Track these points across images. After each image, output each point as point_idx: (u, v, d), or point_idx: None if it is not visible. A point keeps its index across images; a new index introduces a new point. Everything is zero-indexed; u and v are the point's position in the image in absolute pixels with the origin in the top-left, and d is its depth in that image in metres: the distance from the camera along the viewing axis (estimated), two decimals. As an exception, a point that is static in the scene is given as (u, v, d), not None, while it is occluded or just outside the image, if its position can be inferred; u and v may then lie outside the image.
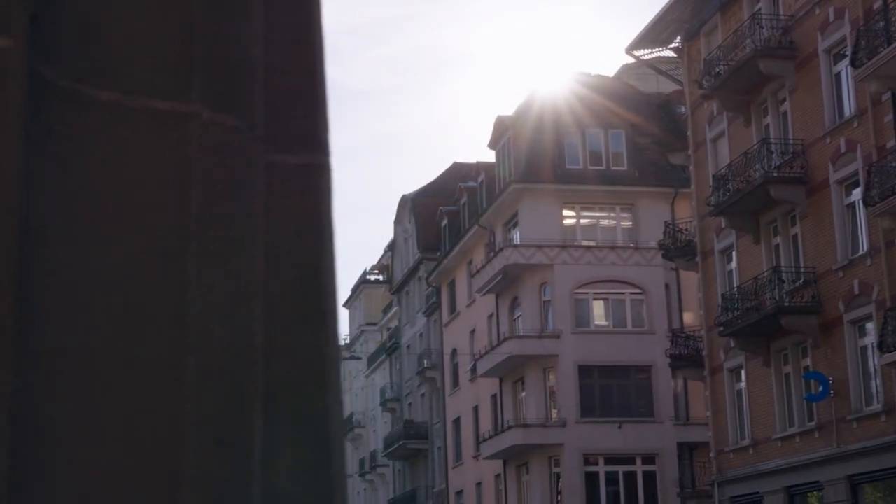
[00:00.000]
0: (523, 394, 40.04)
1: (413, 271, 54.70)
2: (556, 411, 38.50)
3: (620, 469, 37.92)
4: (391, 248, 60.91)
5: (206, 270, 0.91)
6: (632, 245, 39.70)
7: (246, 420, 0.92)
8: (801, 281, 26.50)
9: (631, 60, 38.16)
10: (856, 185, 25.23)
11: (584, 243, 39.84)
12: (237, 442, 0.91)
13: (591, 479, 37.67)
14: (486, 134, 43.84)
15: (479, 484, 44.38)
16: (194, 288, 0.90)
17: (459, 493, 46.86)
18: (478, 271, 42.00)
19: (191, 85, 0.93)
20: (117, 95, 0.91)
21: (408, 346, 55.93)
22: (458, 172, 52.87)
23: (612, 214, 40.64)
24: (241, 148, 0.96)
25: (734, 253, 29.86)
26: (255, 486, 0.91)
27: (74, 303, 0.89)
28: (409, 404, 55.56)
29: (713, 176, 29.79)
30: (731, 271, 30.13)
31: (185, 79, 0.93)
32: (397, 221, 57.76)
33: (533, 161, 40.47)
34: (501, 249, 40.19)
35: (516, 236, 40.84)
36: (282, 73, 1.01)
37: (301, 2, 1.00)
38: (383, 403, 59.85)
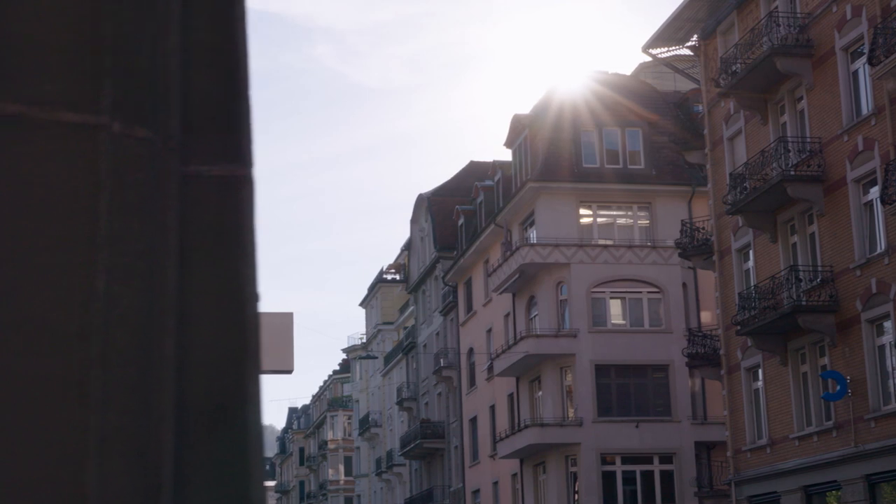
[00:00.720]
0: (540, 393, 39.97)
1: (430, 270, 54.68)
2: (572, 410, 38.42)
3: (638, 468, 37.81)
4: (408, 247, 60.90)
5: (114, 284, 0.90)
6: (649, 244, 39.58)
7: (155, 435, 0.91)
8: (819, 280, 26.37)
9: (648, 59, 38.09)
10: (873, 183, 25.09)
11: (601, 242, 39.59)
12: (145, 457, 0.90)
13: (608, 478, 37.58)
14: (503, 132, 43.81)
15: (495, 483, 44.34)
16: (100, 302, 0.89)
17: (476, 492, 46.83)
18: (494, 270, 41.94)
19: (101, 97, 0.91)
20: (23, 107, 0.90)
21: (424, 346, 55.92)
22: (474, 171, 52.86)
23: (629, 213, 40.49)
24: (154, 160, 0.95)
25: (751, 252, 29.74)
26: (164, 502, 0.90)
27: None
28: (426, 403, 55.57)
29: (730, 174, 29.68)
30: (748, 270, 30.02)
31: (95, 90, 0.91)
32: (414, 220, 57.76)
33: (550, 159, 40.39)
34: (518, 248, 40.09)
35: (533, 235, 40.58)
36: (202, 85, 0.99)
37: (223, 13, 0.99)
38: (400, 403, 59.88)
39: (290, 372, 8.45)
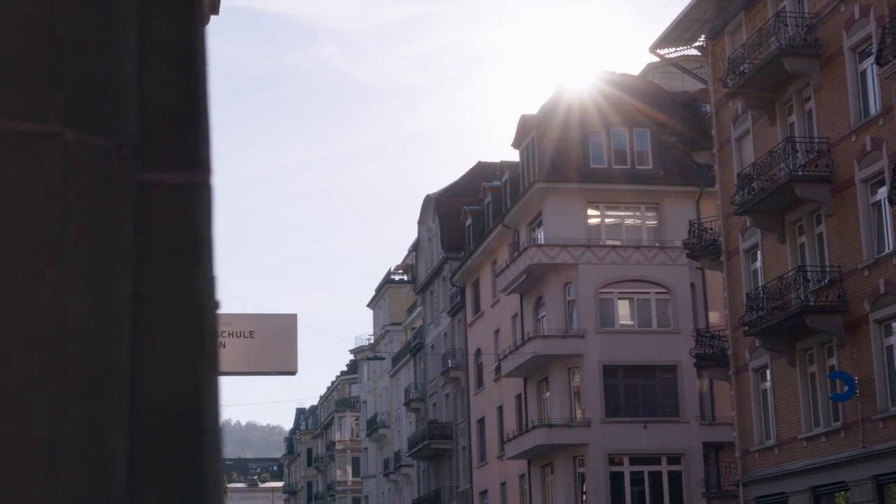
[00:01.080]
0: (548, 394, 39.95)
1: (437, 271, 54.71)
2: (580, 411, 38.40)
3: (645, 469, 37.77)
4: (415, 247, 60.94)
5: (64, 293, 0.89)
6: (657, 244, 39.50)
7: (107, 444, 0.90)
8: (827, 280, 26.31)
9: (656, 59, 38.05)
10: (881, 183, 25.03)
11: (609, 243, 39.42)
12: (97, 466, 0.89)
13: (615, 479, 37.54)
14: (511, 133, 43.80)
15: (503, 484, 44.32)
16: (52, 310, 0.88)
17: (484, 493, 46.81)
18: (502, 271, 41.93)
19: (52, 105, 0.91)
20: None
21: (432, 346, 55.94)
22: (482, 172, 52.90)
23: (637, 214, 40.39)
24: (108, 168, 0.94)
25: (759, 252, 29.68)
26: None
27: None
28: (434, 404, 55.56)
29: (738, 175, 29.62)
30: (756, 271, 29.96)
31: (46, 98, 0.91)
32: (421, 221, 57.77)
33: (557, 160, 40.34)
34: (526, 249, 39.97)
35: (540, 236, 40.43)
36: (159, 92, 0.99)
37: (181, 18, 0.98)
38: (407, 403, 59.88)
39: (293, 373, 8.49)
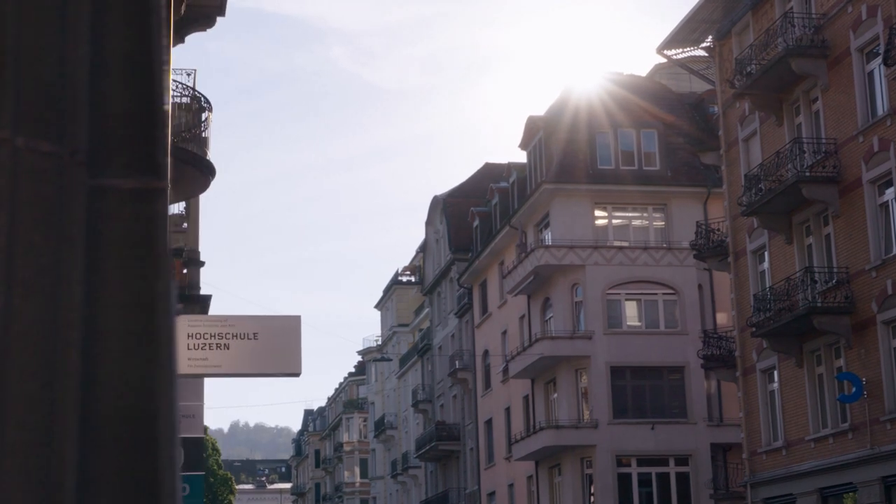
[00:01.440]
0: (555, 395, 39.92)
1: (444, 272, 54.69)
2: (588, 412, 38.36)
3: (653, 470, 37.71)
4: (423, 249, 60.92)
5: (14, 299, 0.89)
6: (664, 245, 39.44)
7: (57, 450, 0.90)
8: (834, 281, 26.24)
9: (663, 60, 38.00)
10: (889, 184, 24.96)
11: (617, 244, 39.32)
12: (46, 472, 0.89)
13: (623, 480, 37.49)
14: (518, 134, 43.77)
15: (511, 485, 44.28)
16: (1, 316, 0.88)
17: (492, 494, 46.78)
18: (509, 272, 41.90)
19: (1, 111, 0.90)
20: None
21: (439, 348, 55.93)
22: (489, 173, 52.87)
23: (645, 214, 40.35)
24: (60, 174, 0.93)
25: (766, 253, 29.62)
26: None
27: None
28: (441, 406, 55.54)
29: (745, 176, 29.56)
30: (763, 272, 29.90)
31: None
32: (429, 222, 57.75)
33: (565, 161, 40.30)
34: (533, 250, 39.87)
35: (548, 237, 40.30)
36: (114, 98, 0.98)
37: (138, 25, 0.97)
38: (415, 405, 59.88)
39: (297, 375, 8.49)
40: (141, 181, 0.98)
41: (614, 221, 40.24)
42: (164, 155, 1.00)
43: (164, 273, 0.98)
